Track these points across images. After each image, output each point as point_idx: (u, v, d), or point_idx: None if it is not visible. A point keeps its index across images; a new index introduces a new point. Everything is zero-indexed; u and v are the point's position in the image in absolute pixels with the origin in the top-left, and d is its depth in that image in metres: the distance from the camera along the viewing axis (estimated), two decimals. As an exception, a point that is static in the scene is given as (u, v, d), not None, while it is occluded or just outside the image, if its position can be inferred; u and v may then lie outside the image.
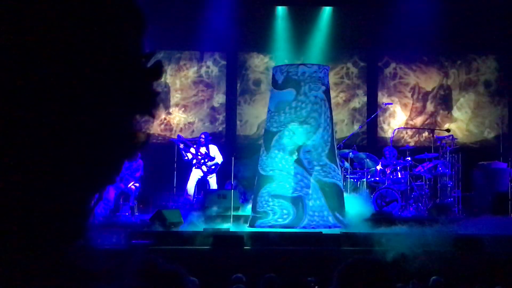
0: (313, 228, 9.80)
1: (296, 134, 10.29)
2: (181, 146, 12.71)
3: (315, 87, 10.46)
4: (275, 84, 10.63)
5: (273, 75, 10.73)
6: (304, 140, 10.27)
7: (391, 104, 15.29)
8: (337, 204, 10.31)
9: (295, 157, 10.21)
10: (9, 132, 0.66)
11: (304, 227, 9.85)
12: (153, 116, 0.74)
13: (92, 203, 0.73)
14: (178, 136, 13.40)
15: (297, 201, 10.10)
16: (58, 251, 0.70)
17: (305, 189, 10.16)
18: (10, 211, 0.67)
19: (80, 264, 0.71)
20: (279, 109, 10.40)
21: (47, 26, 0.66)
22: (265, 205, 10.18)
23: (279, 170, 10.22)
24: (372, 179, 12.20)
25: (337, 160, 10.63)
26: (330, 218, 10.10)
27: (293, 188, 10.14)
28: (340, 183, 10.56)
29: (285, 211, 10.06)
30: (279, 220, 10.04)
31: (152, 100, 0.75)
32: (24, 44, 0.66)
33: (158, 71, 0.75)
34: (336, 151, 10.66)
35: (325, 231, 9.46)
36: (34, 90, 0.66)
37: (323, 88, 10.54)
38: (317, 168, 10.21)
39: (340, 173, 10.69)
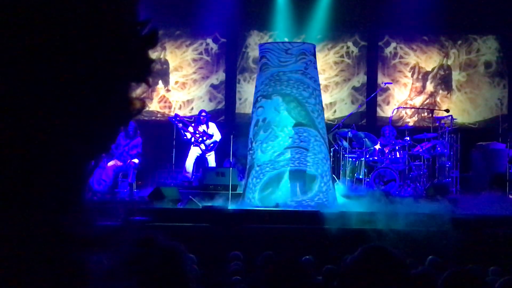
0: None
1: None
2: (180, 125, 12.67)
3: None
4: (315, 64, 10.65)
5: (312, 53, 10.56)
6: None
7: (391, 83, 15.25)
8: None
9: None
10: (2, 100, 0.66)
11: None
12: (148, 83, 0.74)
13: (88, 170, 0.74)
14: (175, 114, 13.38)
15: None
16: (54, 219, 0.70)
17: None
18: (5, 180, 0.67)
19: (76, 233, 0.72)
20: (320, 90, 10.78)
21: None
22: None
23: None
24: (371, 159, 12.21)
25: None
26: None
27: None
28: None
29: None
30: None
31: (147, 67, 0.75)
32: (18, 14, 0.66)
33: (153, 38, 0.75)
34: None
35: (323, 210, 9.48)
36: (28, 58, 0.66)
37: None
38: None
39: None
